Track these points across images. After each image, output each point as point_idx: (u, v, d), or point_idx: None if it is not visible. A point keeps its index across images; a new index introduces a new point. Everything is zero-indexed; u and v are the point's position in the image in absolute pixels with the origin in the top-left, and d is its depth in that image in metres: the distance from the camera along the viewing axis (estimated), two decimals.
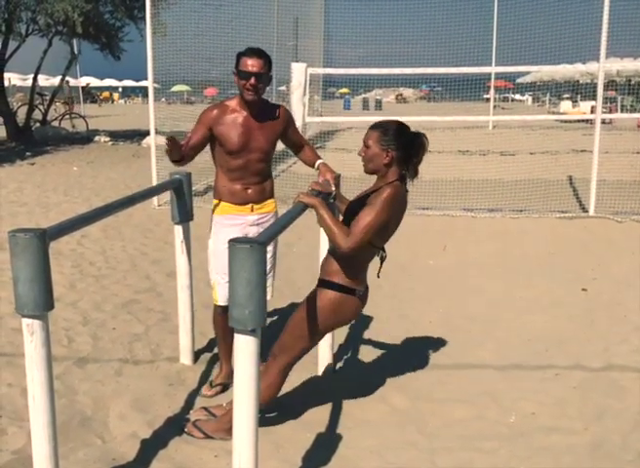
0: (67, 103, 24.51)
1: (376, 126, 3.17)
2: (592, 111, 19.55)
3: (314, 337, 3.29)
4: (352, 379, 4.03)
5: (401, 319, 5.08)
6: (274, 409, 3.51)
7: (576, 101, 25.40)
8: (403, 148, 3.11)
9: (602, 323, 4.96)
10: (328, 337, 4.06)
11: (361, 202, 3.15)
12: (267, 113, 3.65)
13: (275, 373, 3.23)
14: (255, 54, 3.46)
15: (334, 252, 3.20)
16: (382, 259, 3.32)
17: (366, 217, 3.00)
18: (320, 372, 4.09)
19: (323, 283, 3.22)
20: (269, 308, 3.69)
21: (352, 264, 3.17)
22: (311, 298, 3.23)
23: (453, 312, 5.23)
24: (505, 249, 7.29)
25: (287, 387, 3.88)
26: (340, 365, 4.22)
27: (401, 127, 3.16)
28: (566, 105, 26.13)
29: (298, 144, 3.89)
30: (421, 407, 3.68)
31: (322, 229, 3.92)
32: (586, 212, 8.99)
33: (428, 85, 30.15)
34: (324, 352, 4.08)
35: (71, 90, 28.78)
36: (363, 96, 31.11)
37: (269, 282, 3.76)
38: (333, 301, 3.17)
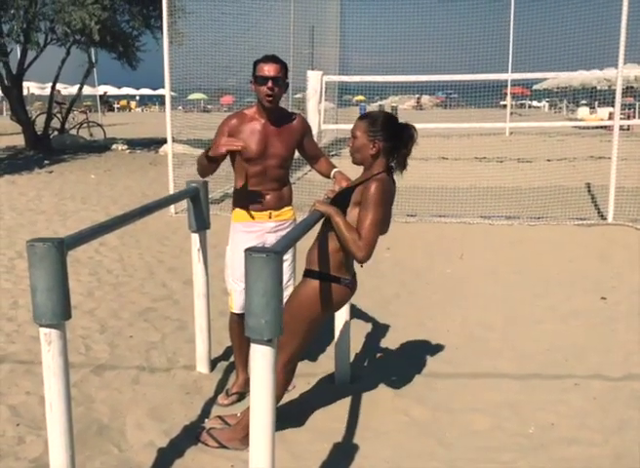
0: (85, 112, 24.71)
1: (363, 116, 3.18)
2: (610, 117, 19.44)
3: (307, 330, 3.22)
4: (369, 389, 4.00)
5: (418, 328, 5.04)
6: (291, 419, 3.49)
7: (593, 108, 25.25)
8: (391, 139, 3.10)
9: (622, 332, 4.90)
10: (345, 347, 4.04)
11: (348, 193, 3.14)
12: (285, 121, 3.67)
13: (277, 372, 3.20)
14: (270, 59, 3.51)
15: (319, 239, 3.20)
16: None
17: (365, 220, 2.98)
18: (337, 382, 4.07)
19: (307, 273, 3.21)
20: None
21: (336, 253, 3.14)
22: (298, 290, 3.22)
23: (470, 321, 5.19)
24: (523, 257, 7.23)
25: (304, 397, 3.88)
26: (356, 374, 4.19)
27: (389, 118, 3.16)
28: (583, 112, 25.97)
29: (313, 155, 3.89)
30: (440, 417, 3.65)
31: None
32: (605, 219, 8.91)
33: (444, 92, 30.11)
34: (341, 361, 4.06)
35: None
36: (379, 103, 31.10)
37: (290, 290, 3.75)
38: (317, 291, 3.14)
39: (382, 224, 3.11)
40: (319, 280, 3.15)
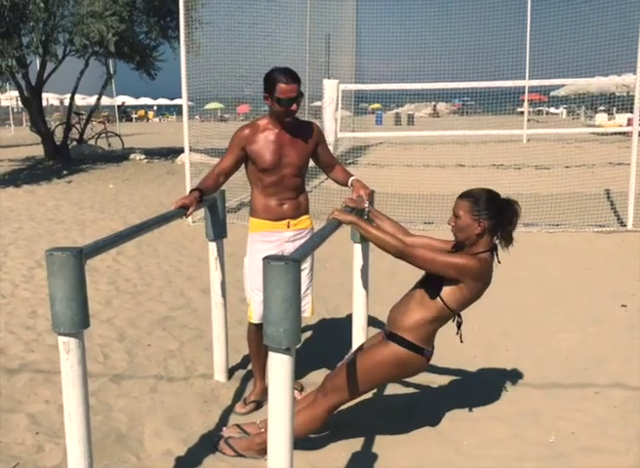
0: (103, 122, 24.94)
1: (466, 195, 3.10)
2: (629, 123, 19.28)
3: (371, 386, 3.29)
4: (387, 398, 3.98)
5: (436, 336, 5.00)
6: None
7: (611, 114, 25.07)
8: (495, 217, 3.06)
9: None
10: None
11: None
12: (299, 129, 3.66)
13: (322, 410, 3.19)
14: (289, 78, 3.43)
15: (411, 303, 3.17)
16: (459, 325, 3.33)
17: (446, 257, 3.01)
18: None
19: (393, 337, 3.17)
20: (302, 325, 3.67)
21: (427, 324, 3.14)
22: (378, 349, 3.19)
23: (489, 329, 5.16)
24: (542, 264, 7.18)
25: None
26: None
27: (492, 195, 3.10)
28: (601, 118, 25.79)
29: (328, 163, 3.87)
30: (458, 426, 3.62)
31: (355, 245, 3.93)
32: (624, 226, 8.82)
33: (461, 99, 30.06)
34: None
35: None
36: (395, 111, 31.13)
37: (308, 299, 3.75)
38: (401, 358, 3.14)
39: (464, 299, 3.13)
40: (405, 348, 3.14)
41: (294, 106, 3.46)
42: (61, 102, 31.12)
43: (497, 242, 3.15)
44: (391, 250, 3.03)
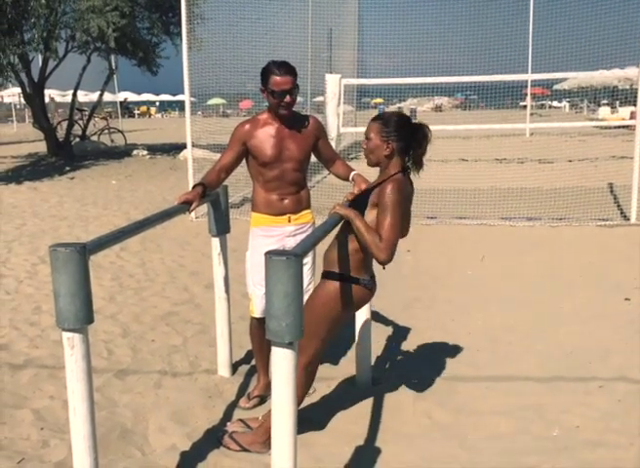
0: (106, 118, 24.94)
1: (377, 117, 3.17)
2: (632, 117, 19.23)
3: (327, 331, 3.22)
4: (390, 392, 3.98)
5: (439, 330, 5.02)
6: (313, 422, 3.49)
7: (614, 107, 25.00)
8: (404, 139, 3.09)
9: None
10: (366, 350, 4.03)
11: (365, 195, 3.14)
12: (299, 123, 3.66)
13: (298, 375, 3.19)
14: (283, 70, 3.44)
15: (337, 240, 3.20)
16: None
17: (384, 222, 2.97)
18: (358, 385, 4.06)
19: (326, 274, 3.21)
20: None
21: (354, 254, 3.14)
22: (317, 291, 3.23)
23: (492, 323, 5.16)
24: (545, 258, 7.17)
25: (325, 400, 3.88)
26: (378, 377, 4.18)
27: (402, 118, 3.16)
28: (604, 111, 25.73)
29: (329, 157, 3.87)
30: (463, 420, 3.62)
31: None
32: (628, 220, 8.81)
33: (463, 93, 29.99)
34: (362, 364, 4.05)
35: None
36: (397, 105, 31.06)
37: (309, 294, 3.74)
38: (337, 291, 3.14)
39: (402, 225, 3.10)
40: (339, 281, 3.16)
41: (287, 98, 3.46)
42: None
43: (409, 165, 3.16)
44: (373, 255, 3.03)
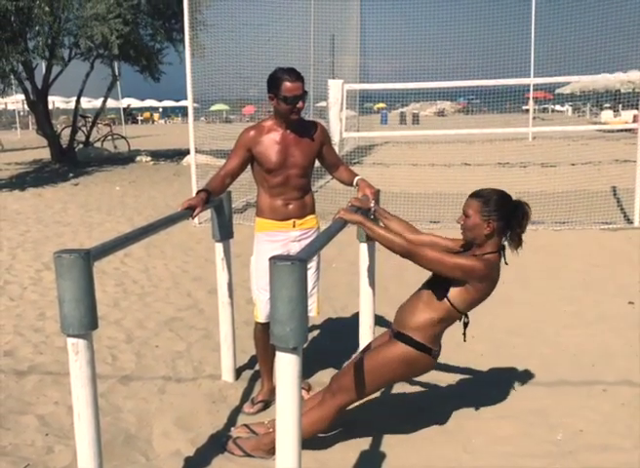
0: (109, 125, 25.01)
1: (476, 195, 3.11)
2: (634, 120, 19.21)
3: (379, 386, 3.30)
4: (395, 397, 3.98)
5: (444, 334, 5.00)
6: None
7: (617, 111, 24.98)
8: (505, 219, 3.06)
9: None
10: None
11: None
12: (304, 129, 3.67)
13: (330, 410, 3.19)
14: (294, 77, 3.46)
15: (419, 303, 3.18)
16: (465, 325, 3.34)
17: (451, 259, 3.01)
18: None
19: (401, 336, 3.17)
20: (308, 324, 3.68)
21: (435, 325, 3.14)
22: (385, 349, 3.20)
23: (496, 327, 5.16)
24: (549, 261, 7.17)
25: None
26: None
27: (503, 196, 3.10)
28: (607, 115, 25.72)
29: (333, 163, 3.88)
30: (466, 424, 3.62)
31: (361, 245, 3.94)
32: (631, 223, 8.81)
33: (466, 97, 30.00)
34: None
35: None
36: (400, 110, 31.07)
37: (314, 298, 3.75)
38: (409, 357, 3.14)
39: (475, 300, 3.16)
40: (413, 348, 3.14)
41: (300, 104, 3.48)
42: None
43: (505, 243, 3.15)
44: (397, 249, 3.03)
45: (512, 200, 3.12)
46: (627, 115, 22.04)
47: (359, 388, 3.17)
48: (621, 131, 18.74)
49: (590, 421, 3.59)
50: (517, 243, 3.13)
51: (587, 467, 3.15)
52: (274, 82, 3.49)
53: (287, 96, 3.45)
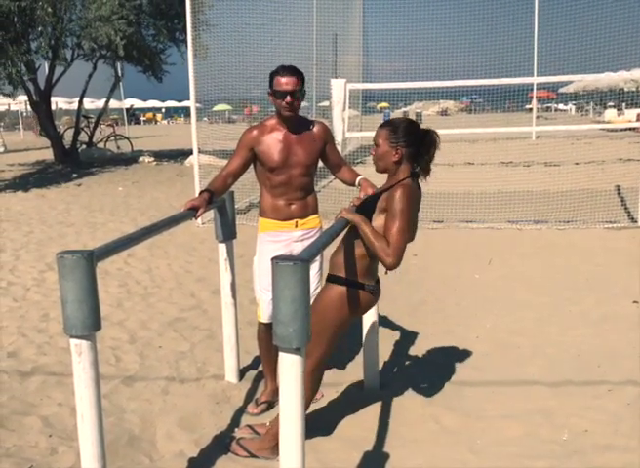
0: (112, 125, 25.03)
1: (385, 124, 3.18)
2: (638, 119, 19.18)
3: (332, 335, 3.21)
4: (398, 396, 3.97)
5: (447, 334, 5.01)
6: (321, 428, 3.48)
7: (620, 109, 24.94)
8: (412, 145, 3.10)
9: None
10: (373, 354, 4.03)
11: (373, 200, 3.13)
12: (306, 129, 3.67)
13: (305, 379, 3.18)
14: (287, 72, 3.48)
15: (344, 245, 3.19)
16: None
17: (393, 227, 2.97)
18: (366, 390, 4.05)
19: (331, 278, 3.21)
20: None
21: (361, 259, 3.14)
22: (322, 295, 3.22)
23: (500, 327, 5.14)
24: (552, 261, 7.15)
25: (333, 405, 3.87)
26: (385, 382, 4.17)
27: (411, 124, 3.16)
28: (611, 114, 25.68)
29: (336, 163, 3.87)
30: (471, 424, 3.61)
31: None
32: (635, 222, 8.78)
33: (469, 97, 29.99)
34: (369, 368, 4.04)
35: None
36: (403, 109, 31.05)
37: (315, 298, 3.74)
38: (344, 296, 3.14)
39: (410, 230, 3.10)
40: (344, 286, 3.16)
41: (287, 98, 3.46)
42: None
43: (417, 170, 3.16)
44: (380, 260, 3.03)
45: (420, 128, 3.15)
46: (631, 114, 22.00)
47: (316, 344, 3.05)
48: (625, 129, 18.72)
49: (596, 421, 3.57)
50: (426, 170, 3.17)
51: (593, 467, 3.13)
52: (271, 77, 3.53)
53: (277, 90, 3.47)
